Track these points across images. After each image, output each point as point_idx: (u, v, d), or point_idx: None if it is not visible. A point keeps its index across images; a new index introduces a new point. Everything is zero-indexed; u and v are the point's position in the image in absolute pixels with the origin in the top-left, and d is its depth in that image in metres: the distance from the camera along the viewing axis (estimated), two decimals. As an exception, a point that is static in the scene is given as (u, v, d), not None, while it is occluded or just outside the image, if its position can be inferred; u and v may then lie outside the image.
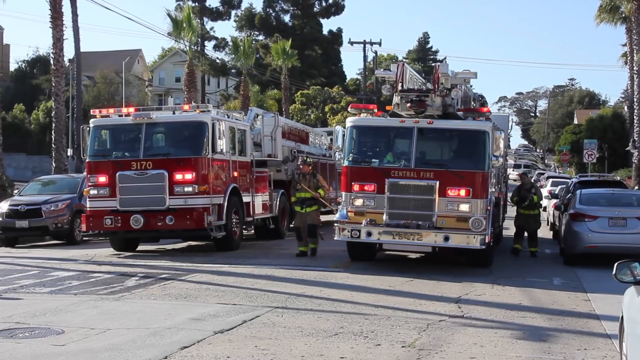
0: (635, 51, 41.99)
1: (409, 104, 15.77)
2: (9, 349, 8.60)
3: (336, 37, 79.65)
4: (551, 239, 24.43)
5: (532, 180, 20.27)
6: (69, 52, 62.17)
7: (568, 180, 31.57)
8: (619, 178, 35.09)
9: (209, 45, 72.84)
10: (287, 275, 14.63)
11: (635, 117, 42.24)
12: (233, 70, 73.34)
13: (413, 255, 17.72)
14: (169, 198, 17.54)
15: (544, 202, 35.34)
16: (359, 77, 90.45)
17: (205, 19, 71.78)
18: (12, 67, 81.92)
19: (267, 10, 78.44)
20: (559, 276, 15.49)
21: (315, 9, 78.62)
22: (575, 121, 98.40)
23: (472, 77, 17.45)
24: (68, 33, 35.78)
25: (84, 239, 21.53)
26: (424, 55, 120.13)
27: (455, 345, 9.11)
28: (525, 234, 19.65)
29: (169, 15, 41.96)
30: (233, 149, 19.20)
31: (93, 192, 18.18)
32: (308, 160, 18.79)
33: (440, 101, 15.88)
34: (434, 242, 15.09)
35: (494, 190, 16.71)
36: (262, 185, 21.13)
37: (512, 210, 27.21)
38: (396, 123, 15.84)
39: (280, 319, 10.42)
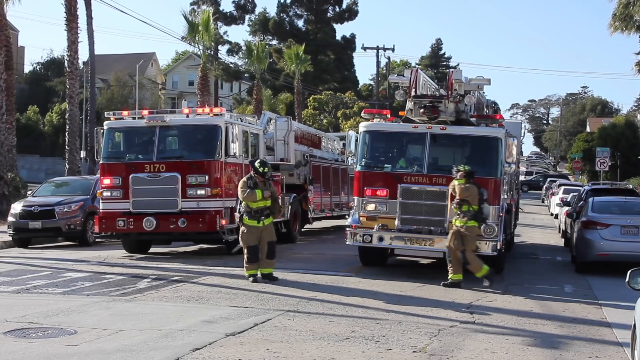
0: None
1: (422, 110, 15.73)
2: (22, 349, 8.66)
3: (349, 42, 79.67)
4: (563, 246, 24.34)
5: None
6: (83, 55, 62.39)
7: (580, 188, 31.49)
8: (631, 186, 35.01)
9: (223, 50, 73.10)
10: (299, 279, 14.66)
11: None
12: (246, 75, 73.44)
13: (424, 261, 17.71)
14: (182, 201, 17.62)
15: (556, 210, 35.34)
16: (372, 82, 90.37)
17: (219, 24, 71.93)
18: (27, 69, 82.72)
19: (281, 15, 78.59)
20: (570, 284, 15.45)
21: (328, 14, 78.73)
22: (588, 129, 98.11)
23: (486, 83, 17.41)
24: (83, 36, 36.10)
25: (97, 240, 21.58)
26: (436, 62, 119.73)
27: (466, 351, 9.11)
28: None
29: (185, 17, 41.79)
30: (246, 153, 19.24)
31: (106, 193, 18.30)
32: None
33: (454, 107, 15.86)
34: (445, 248, 15.08)
35: (506, 197, 16.69)
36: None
37: (523, 217, 27.18)
38: (409, 129, 15.85)
39: (291, 322, 10.45)
